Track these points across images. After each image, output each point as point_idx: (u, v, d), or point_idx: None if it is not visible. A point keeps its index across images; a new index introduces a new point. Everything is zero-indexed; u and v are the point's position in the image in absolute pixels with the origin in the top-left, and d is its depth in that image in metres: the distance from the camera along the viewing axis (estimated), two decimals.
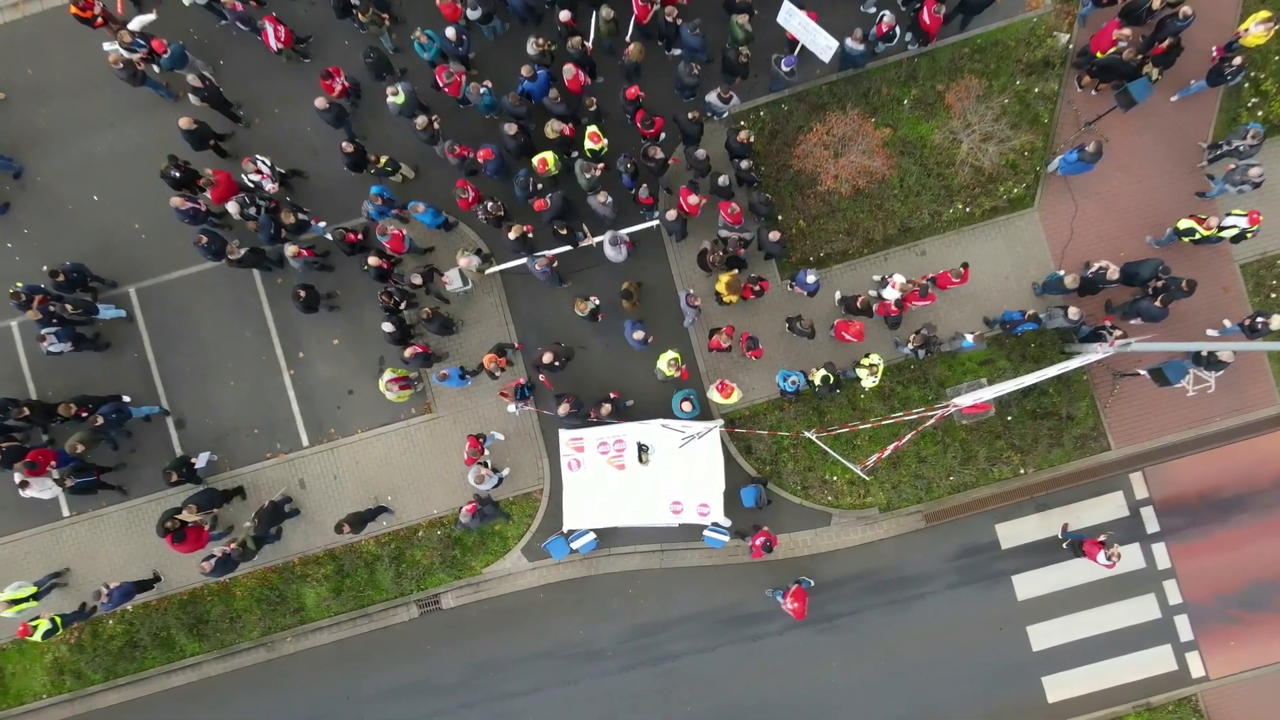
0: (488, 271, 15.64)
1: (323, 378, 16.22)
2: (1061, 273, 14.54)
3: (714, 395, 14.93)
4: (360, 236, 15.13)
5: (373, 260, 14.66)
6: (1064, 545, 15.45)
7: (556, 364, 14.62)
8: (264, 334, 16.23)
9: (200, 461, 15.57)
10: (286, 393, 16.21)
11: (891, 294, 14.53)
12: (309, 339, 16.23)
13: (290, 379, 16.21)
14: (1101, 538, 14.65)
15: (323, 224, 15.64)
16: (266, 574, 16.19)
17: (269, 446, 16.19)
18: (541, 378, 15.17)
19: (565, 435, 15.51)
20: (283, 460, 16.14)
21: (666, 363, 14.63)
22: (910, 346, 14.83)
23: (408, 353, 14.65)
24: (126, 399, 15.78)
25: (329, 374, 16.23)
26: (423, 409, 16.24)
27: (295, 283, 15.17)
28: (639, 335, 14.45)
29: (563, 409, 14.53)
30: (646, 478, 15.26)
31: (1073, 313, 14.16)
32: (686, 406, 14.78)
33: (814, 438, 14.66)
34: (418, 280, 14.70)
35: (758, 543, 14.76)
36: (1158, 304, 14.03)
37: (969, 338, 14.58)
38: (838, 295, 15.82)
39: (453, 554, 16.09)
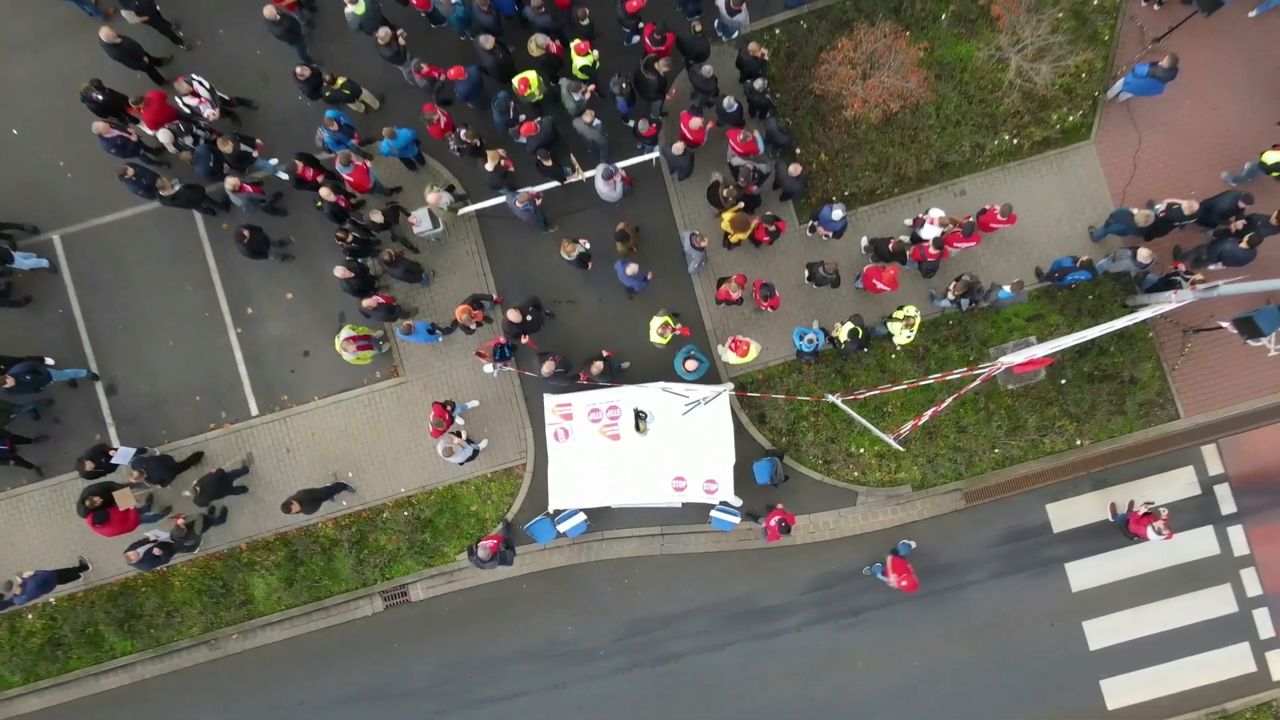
0: (461, 212, 13.55)
1: (274, 337, 14.17)
2: (1134, 210, 12.43)
3: (726, 354, 12.88)
4: (319, 175, 13.01)
5: (327, 194, 12.56)
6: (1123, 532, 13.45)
7: (527, 320, 12.55)
8: (207, 287, 14.17)
9: (121, 458, 13.20)
10: (233, 354, 14.16)
11: (931, 232, 12.46)
12: (259, 293, 14.18)
13: (237, 338, 14.16)
14: (1141, 508, 12.67)
15: (274, 161, 13.60)
16: (209, 561, 14.13)
17: (212, 416, 14.13)
18: (525, 339, 13.07)
19: (551, 401, 13.44)
20: (228, 431, 14.09)
21: (657, 329, 12.53)
22: (950, 297, 12.75)
23: (367, 303, 12.56)
24: (49, 360, 13.69)
25: (281, 333, 14.18)
26: (389, 372, 14.19)
27: (240, 223, 13.08)
28: (632, 270, 12.32)
29: (547, 368, 12.45)
30: (644, 450, 13.21)
31: (1143, 254, 12.09)
32: (691, 366, 12.69)
33: (839, 402, 12.57)
34: (379, 218, 12.63)
35: (773, 523, 12.69)
36: (1244, 245, 11.95)
37: (1006, 288, 12.48)
38: (865, 241, 13.76)
39: (422, 538, 14.01)
